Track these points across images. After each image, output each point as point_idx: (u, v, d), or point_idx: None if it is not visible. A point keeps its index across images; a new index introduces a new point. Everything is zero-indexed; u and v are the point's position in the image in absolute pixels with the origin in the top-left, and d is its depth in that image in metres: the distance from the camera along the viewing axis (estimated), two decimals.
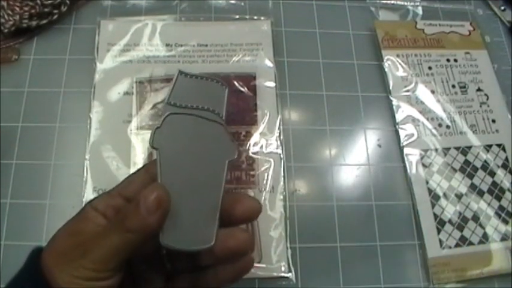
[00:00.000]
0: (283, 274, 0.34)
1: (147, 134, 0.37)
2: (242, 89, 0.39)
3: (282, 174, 0.37)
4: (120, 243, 0.22)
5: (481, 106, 0.42)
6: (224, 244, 0.24)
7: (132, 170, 0.35)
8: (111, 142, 0.36)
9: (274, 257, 0.34)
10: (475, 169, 0.39)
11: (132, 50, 0.40)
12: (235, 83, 0.39)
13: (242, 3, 0.43)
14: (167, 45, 0.40)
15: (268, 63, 0.40)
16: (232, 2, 0.43)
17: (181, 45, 0.40)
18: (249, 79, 0.39)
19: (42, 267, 0.22)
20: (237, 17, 0.42)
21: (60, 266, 0.22)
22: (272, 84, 0.39)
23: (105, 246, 0.22)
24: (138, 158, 0.36)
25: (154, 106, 0.38)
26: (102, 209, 0.24)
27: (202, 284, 0.26)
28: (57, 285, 0.21)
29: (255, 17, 0.42)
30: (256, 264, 0.34)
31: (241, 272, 0.26)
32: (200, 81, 0.27)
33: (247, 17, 0.42)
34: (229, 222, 0.25)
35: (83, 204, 0.34)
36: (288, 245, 0.35)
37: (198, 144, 0.25)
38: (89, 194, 0.35)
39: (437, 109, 0.41)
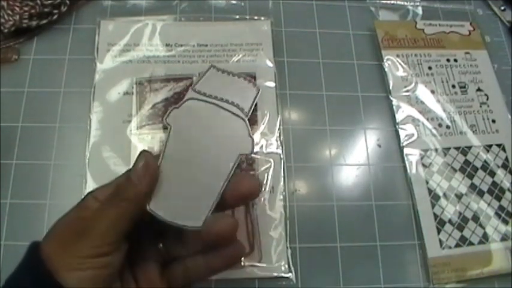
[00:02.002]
0: (283, 274, 0.34)
1: (147, 134, 0.37)
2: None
3: (282, 174, 0.37)
4: (116, 214, 0.23)
5: (481, 106, 0.42)
6: (209, 229, 0.24)
7: None
8: (111, 142, 0.36)
9: (274, 257, 0.34)
10: (475, 169, 0.39)
11: (132, 50, 0.40)
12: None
13: (242, 3, 0.43)
14: (167, 45, 0.40)
15: (268, 63, 0.40)
16: (232, 2, 0.43)
17: (181, 45, 0.40)
18: None
19: (42, 257, 0.22)
20: (237, 17, 0.42)
21: (61, 252, 0.22)
22: (272, 84, 0.39)
23: (103, 220, 0.23)
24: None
25: (154, 106, 0.38)
26: (102, 198, 0.24)
27: (194, 272, 0.26)
28: (58, 272, 0.21)
29: (255, 17, 0.42)
30: (256, 264, 0.34)
31: (231, 260, 0.26)
32: (231, 78, 0.27)
33: (247, 17, 0.42)
34: (230, 201, 0.26)
35: None
36: (288, 245, 0.35)
37: (213, 132, 0.25)
38: None
39: (437, 109, 0.41)
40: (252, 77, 0.39)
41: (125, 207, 0.23)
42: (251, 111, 0.26)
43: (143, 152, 0.25)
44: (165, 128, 0.26)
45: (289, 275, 0.34)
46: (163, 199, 0.24)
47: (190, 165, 0.25)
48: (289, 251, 0.34)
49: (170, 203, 0.24)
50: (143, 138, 0.37)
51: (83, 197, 0.25)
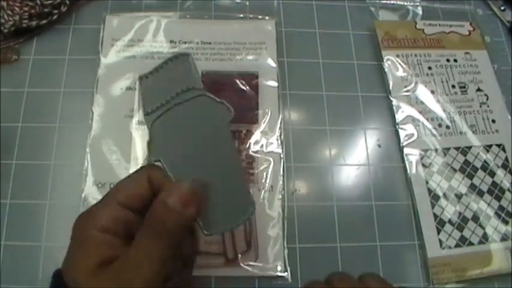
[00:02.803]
0: (279, 273, 0.34)
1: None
2: (244, 87, 0.39)
3: (281, 173, 0.37)
4: (169, 250, 0.22)
5: (481, 106, 0.42)
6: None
7: (132, 164, 0.36)
8: (112, 136, 0.37)
9: (271, 256, 0.34)
10: (475, 169, 0.39)
11: (136, 46, 0.40)
12: (238, 81, 0.39)
13: (247, 3, 0.43)
14: (171, 41, 0.40)
15: (271, 62, 0.40)
16: (237, 1, 0.43)
17: (185, 43, 0.41)
18: (251, 78, 0.39)
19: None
20: (241, 16, 0.42)
21: None
22: (274, 83, 0.40)
23: (156, 259, 0.21)
24: (139, 152, 0.36)
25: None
26: (112, 226, 0.23)
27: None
28: None
29: (259, 17, 0.42)
30: (252, 263, 0.34)
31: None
32: (162, 71, 0.26)
33: (251, 16, 0.42)
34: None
35: (83, 201, 0.34)
36: (285, 245, 0.35)
37: (194, 129, 0.25)
38: (89, 187, 0.35)
39: (437, 109, 0.41)
40: (254, 76, 0.39)
41: (174, 239, 0.22)
42: (200, 78, 0.25)
43: (180, 182, 0.23)
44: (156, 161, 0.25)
45: (285, 274, 0.34)
46: (209, 216, 0.24)
47: (201, 172, 0.24)
48: (286, 251, 0.34)
49: (216, 215, 0.24)
50: (144, 134, 0.37)
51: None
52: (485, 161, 0.39)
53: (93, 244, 0.22)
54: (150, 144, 0.24)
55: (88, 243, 0.22)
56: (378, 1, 0.46)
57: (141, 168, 0.26)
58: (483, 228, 0.37)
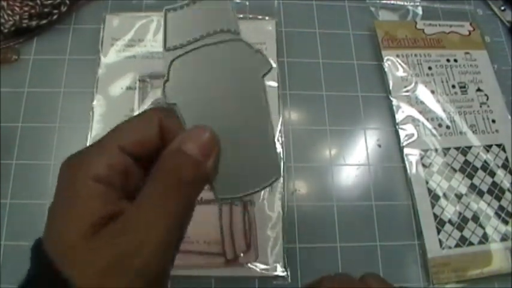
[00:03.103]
0: (278, 273, 0.34)
1: None
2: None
3: (281, 173, 0.37)
4: (185, 201, 0.18)
5: (481, 106, 0.42)
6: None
7: None
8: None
9: (271, 256, 0.34)
10: (475, 169, 0.39)
11: (136, 46, 0.40)
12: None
13: (247, 3, 0.43)
14: None
15: (271, 62, 0.40)
16: (236, 1, 0.43)
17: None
18: None
19: (51, 258, 0.17)
20: (241, 16, 0.42)
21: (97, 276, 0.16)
22: (274, 83, 0.40)
23: (166, 224, 0.17)
24: None
25: (156, 102, 0.38)
26: (106, 175, 0.18)
27: None
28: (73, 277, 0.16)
29: (260, 17, 0.42)
30: (252, 263, 0.34)
31: None
32: (193, 7, 0.22)
33: (251, 16, 0.42)
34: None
35: None
36: (285, 245, 0.35)
37: (221, 76, 0.21)
38: None
39: (437, 109, 0.41)
40: None
41: (191, 194, 0.18)
42: (238, 24, 0.22)
43: (200, 126, 0.19)
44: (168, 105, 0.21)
45: (285, 274, 0.34)
46: (225, 178, 0.21)
47: (223, 126, 0.21)
48: (286, 251, 0.34)
49: (234, 177, 0.21)
50: None
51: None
52: (485, 161, 0.39)
53: (85, 198, 0.18)
54: (166, 84, 0.21)
55: (79, 198, 0.18)
56: (378, 1, 0.46)
57: (151, 109, 0.21)
58: (483, 228, 0.37)
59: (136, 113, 0.37)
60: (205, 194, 0.33)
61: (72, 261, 0.17)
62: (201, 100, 0.21)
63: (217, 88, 0.21)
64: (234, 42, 0.22)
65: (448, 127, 0.40)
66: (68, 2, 0.40)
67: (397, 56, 0.42)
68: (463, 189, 0.38)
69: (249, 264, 0.34)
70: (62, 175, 0.19)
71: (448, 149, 0.39)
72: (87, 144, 0.35)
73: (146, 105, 0.38)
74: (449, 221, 0.37)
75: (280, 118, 0.39)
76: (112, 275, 0.16)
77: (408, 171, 0.38)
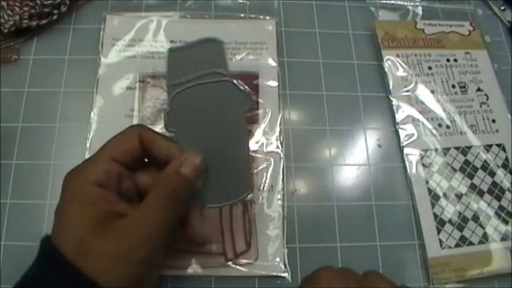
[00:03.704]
0: (279, 273, 0.34)
1: None
2: (244, 87, 0.39)
3: (281, 173, 0.37)
4: (180, 210, 0.23)
5: (481, 106, 0.42)
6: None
7: None
8: (112, 136, 0.36)
9: (271, 256, 0.34)
10: (475, 169, 0.39)
11: (136, 46, 0.40)
12: (238, 81, 0.39)
13: (247, 3, 0.43)
14: (172, 41, 0.40)
15: (272, 62, 0.40)
16: (238, 0, 0.43)
17: (186, 42, 0.40)
18: (251, 78, 0.39)
19: (62, 255, 0.20)
20: (242, 15, 0.42)
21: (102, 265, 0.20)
22: (275, 83, 0.40)
23: (167, 220, 0.22)
24: None
25: (156, 102, 0.38)
26: (104, 180, 0.23)
27: None
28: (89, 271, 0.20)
29: (260, 17, 0.42)
30: (252, 263, 0.34)
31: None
32: (193, 50, 0.27)
33: (251, 16, 0.42)
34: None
35: None
36: (285, 245, 0.35)
37: (211, 110, 0.26)
38: None
39: (437, 109, 0.41)
40: (255, 76, 0.39)
41: (183, 205, 0.23)
42: (228, 67, 0.27)
43: (192, 153, 0.25)
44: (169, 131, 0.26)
45: (285, 274, 0.34)
46: (209, 191, 0.26)
47: (209, 149, 0.26)
48: (286, 251, 0.34)
49: (216, 191, 0.26)
50: None
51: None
52: (485, 161, 0.39)
53: (90, 199, 0.22)
54: (168, 114, 0.26)
55: (84, 199, 0.22)
56: (378, 1, 0.46)
57: (131, 126, 0.27)
58: (483, 228, 0.37)
59: (136, 112, 0.37)
60: None
61: (84, 252, 0.20)
62: (194, 128, 0.26)
63: (208, 119, 0.26)
64: (223, 82, 0.26)
65: (448, 127, 0.40)
66: (68, 2, 0.40)
67: (397, 55, 0.42)
68: (463, 189, 0.38)
69: (249, 264, 0.34)
70: (66, 183, 0.24)
71: (448, 149, 0.39)
72: (87, 144, 0.36)
73: (147, 105, 0.38)
74: (450, 221, 0.37)
75: (280, 118, 0.39)
76: (121, 263, 0.20)
77: (408, 171, 0.38)
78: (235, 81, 0.26)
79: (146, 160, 0.27)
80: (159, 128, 0.37)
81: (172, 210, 0.23)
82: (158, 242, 0.22)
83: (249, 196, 0.32)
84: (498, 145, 0.40)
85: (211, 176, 0.26)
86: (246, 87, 0.39)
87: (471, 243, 0.36)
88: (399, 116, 0.40)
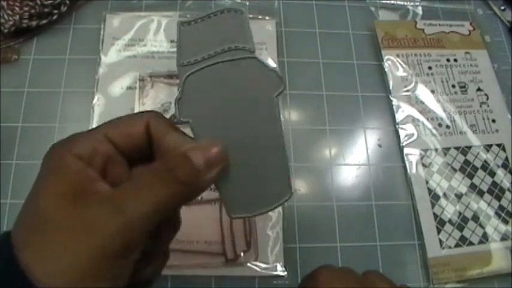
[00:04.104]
0: (278, 273, 0.34)
1: None
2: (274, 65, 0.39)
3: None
4: (168, 194, 0.18)
5: (481, 106, 0.42)
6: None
7: None
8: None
9: (271, 256, 0.34)
10: (475, 169, 0.39)
11: (136, 45, 0.40)
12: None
13: (247, 3, 0.43)
14: (171, 41, 0.41)
15: (272, 62, 0.40)
16: (237, 1, 0.43)
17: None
18: None
19: (14, 252, 0.16)
20: None
21: (53, 244, 0.16)
22: None
23: (149, 199, 0.18)
24: None
25: (156, 102, 0.38)
26: (88, 156, 0.19)
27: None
28: (35, 273, 0.16)
29: (260, 17, 0.42)
30: (252, 262, 0.34)
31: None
32: (208, 22, 0.22)
33: (251, 16, 0.42)
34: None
35: None
36: (285, 245, 0.35)
37: (234, 94, 0.21)
38: None
39: (437, 109, 0.41)
40: None
41: (180, 190, 0.18)
42: (253, 39, 0.22)
43: (215, 141, 0.20)
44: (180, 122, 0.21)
45: (285, 274, 0.34)
46: (236, 196, 0.21)
47: (235, 144, 0.21)
48: (286, 251, 0.34)
49: (245, 195, 0.21)
50: None
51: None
52: (485, 161, 0.39)
53: (64, 170, 0.18)
54: (180, 101, 0.21)
55: (58, 169, 0.19)
56: (378, 1, 0.46)
57: (142, 111, 0.22)
58: (483, 228, 0.37)
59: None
60: (205, 194, 0.33)
61: (38, 228, 0.17)
62: (214, 118, 0.21)
63: (230, 106, 0.21)
64: (248, 60, 0.22)
65: (448, 127, 0.40)
66: (68, 1, 0.40)
67: (397, 55, 0.42)
68: (463, 189, 0.38)
69: (249, 264, 0.34)
70: (47, 154, 0.20)
71: (448, 148, 0.39)
72: None
73: (147, 105, 0.38)
74: (449, 221, 0.37)
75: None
76: (77, 245, 0.16)
77: (408, 171, 0.38)
78: (261, 59, 0.22)
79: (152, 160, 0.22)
80: None
81: (160, 191, 0.18)
82: (137, 217, 0.17)
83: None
84: (498, 145, 0.40)
85: (238, 177, 0.21)
86: (275, 65, 0.34)
87: (471, 243, 0.36)
88: (399, 116, 0.40)
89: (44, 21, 0.40)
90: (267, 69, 0.22)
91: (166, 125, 0.21)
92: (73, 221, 0.17)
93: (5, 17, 0.38)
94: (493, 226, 0.37)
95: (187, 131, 0.22)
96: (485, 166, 0.39)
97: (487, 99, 0.42)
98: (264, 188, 0.22)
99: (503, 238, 0.37)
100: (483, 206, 0.38)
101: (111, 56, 0.39)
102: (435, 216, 0.37)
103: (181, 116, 0.21)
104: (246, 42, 0.22)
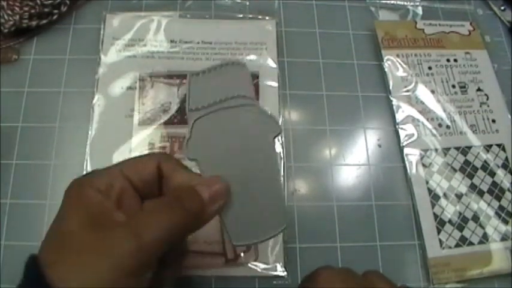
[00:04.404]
0: (278, 273, 0.34)
1: (148, 129, 0.37)
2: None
3: (282, 173, 0.37)
4: (177, 223, 0.21)
5: (481, 106, 0.42)
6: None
7: None
8: (112, 135, 0.37)
9: (271, 256, 0.34)
10: (475, 169, 0.39)
11: (136, 45, 0.40)
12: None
13: (247, 3, 0.43)
14: (171, 41, 0.40)
15: (272, 63, 0.40)
16: (237, 0, 0.43)
17: (186, 42, 0.41)
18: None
19: (45, 273, 0.18)
20: (241, 15, 0.42)
21: (78, 264, 0.19)
22: (275, 83, 0.40)
23: (160, 225, 0.20)
24: (140, 152, 0.36)
25: (156, 102, 0.38)
26: (106, 189, 0.22)
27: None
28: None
29: (260, 17, 0.42)
30: (252, 263, 0.34)
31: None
32: (214, 73, 0.25)
33: (251, 16, 0.43)
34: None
35: None
36: (285, 245, 0.35)
37: (236, 137, 0.24)
38: None
39: (437, 109, 0.41)
40: (255, 76, 0.39)
41: (188, 217, 0.21)
42: (253, 89, 0.25)
43: (218, 177, 0.23)
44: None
45: (285, 274, 0.34)
46: (238, 226, 0.24)
47: (236, 180, 0.23)
48: (286, 251, 0.34)
49: (246, 226, 0.24)
50: (145, 133, 0.37)
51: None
52: (485, 161, 0.39)
53: (87, 201, 0.21)
54: (188, 141, 0.24)
55: (81, 200, 0.21)
56: (378, 1, 0.46)
57: (155, 153, 0.26)
58: (483, 228, 0.37)
59: (136, 112, 0.37)
60: None
61: (66, 245, 0.20)
62: (218, 157, 0.24)
63: (233, 147, 0.24)
64: (249, 107, 0.24)
65: (448, 127, 0.40)
66: (68, 1, 0.40)
67: (397, 56, 0.42)
68: (463, 189, 0.38)
69: (249, 264, 0.34)
70: (69, 187, 0.23)
71: (448, 149, 0.39)
72: (87, 144, 0.36)
73: (147, 105, 0.38)
74: (449, 221, 0.37)
75: (280, 118, 0.39)
76: (100, 261, 0.19)
77: (408, 171, 0.38)
78: (260, 106, 0.25)
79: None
80: (157, 126, 0.37)
81: (172, 216, 0.21)
82: (144, 252, 0.19)
83: None
84: (498, 145, 0.40)
85: (240, 210, 0.23)
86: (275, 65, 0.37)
87: (471, 243, 0.36)
88: (399, 116, 0.40)
89: (44, 21, 0.40)
90: (265, 116, 0.25)
91: (175, 163, 0.24)
92: (95, 244, 0.19)
93: (5, 17, 0.38)
94: (493, 226, 0.37)
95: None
96: (485, 166, 0.39)
97: (487, 99, 0.42)
98: (262, 220, 0.24)
99: (503, 238, 0.37)
100: (483, 206, 0.38)
101: (111, 56, 0.39)
102: (435, 216, 0.37)
103: (190, 155, 0.24)
104: (247, 91, 0.24)
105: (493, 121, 0.41)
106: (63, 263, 0.19)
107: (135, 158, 0.25)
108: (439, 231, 0.36)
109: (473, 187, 0.38)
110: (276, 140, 0.25)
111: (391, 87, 0.41)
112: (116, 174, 0.23)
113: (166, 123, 0.37)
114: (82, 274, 0.18)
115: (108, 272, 0.18)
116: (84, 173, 0.35)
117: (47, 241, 0.21)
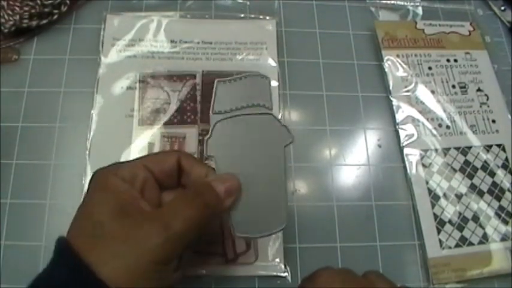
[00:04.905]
0: (278, 273, 0.34)
1: (148, 129, 0.37)
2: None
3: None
4: (199, 215, 0.23)
5: (481, 106, 0.42)
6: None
7: None
8: (113, 135, 0.37)
9: (271, 256, 0.34)
10: (475, 169, 0.39)
11: (136, 45, 0.40)
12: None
13: (247, 3, 0.43)
14: (172, 41, 0.40)
15: (272, 62, 0.40)
16: (238, 0, 0.43)
17: (186, 42, 0.41)
18: None
19: (74, 252, 0.20)
20: (242, 15, 0.42)
21: (112, 251, 0.21)
22: (275, 83, 0.40)
23: (186, 217, 0.22)
24: (139, 152, 0.36)
25: (156, 102, 0.38)
26: (130, 179, 0.24)
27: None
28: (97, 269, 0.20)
29: (260, 17, 0.42)
30: (252, 263, 0.34)
31: None
32: (239, 82, 0.27)
33: (251, 16, 0.43)
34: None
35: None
36: (285, 245, 0.35)
37: (252, 141, 0.27)
38: None
39: (437, 109, 0.41)
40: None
41: (207, 212, 0.23)
42: (271, 100, 0.27)
43: (232, 175, 0.25)
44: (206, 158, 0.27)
45: (285, 274, 0.34)
46: (242, 220, 0.26)
47: (247, 178, 0.26)
48: (286, 251, 0.34)
49: (249, 220, 0.26)
50: (145, 133, 0.37)
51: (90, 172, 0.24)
52: (485, 161, 0.39)
53: (114, 189, 0.23)
54: (208, 140, 0.26)
55: (108, 188, 0.23)
56: (378, 1, 0.46)
57: (175, 150, 0.28)
58: (483, 228, 0.37)
59: (136, 112, 0.37)
60: None
61: (98, 234, 0.21)
62: (233, 157, 0.26)
63: (247, 149, 0.27)
64: (266, 115, 0.27)
65: (448, 127, 0.40)
66: (68, 2, 0.40)
67: (397, 56, 0.42)
68: (463, 189, 0.38)
69: (249, 264, 0.34)
70: (93, 176, 0.24)
71: (448, 149, 0.39)
72: (87, 144, 0.36)
73: (147, 105, 0.38)
74: (449, 221, 0.37)
75: (280, 118, 0.39)
76: (132, 250, 0.20)
77: (408, 171, 0.38)
78: (276, 116, 0.27)
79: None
80: (157, 126, 0.37)
81: (195, 210, 0.23)
82: (179, 231, 0.22)
83: None
84: (498, 145, 0.40)
85: (246, 205, 0.26)
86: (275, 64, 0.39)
87: (471, 244, 0.36)
88: (399, 116, 0.40)
89: (44, 21, 0.40)
90: (279, 125, 0.27)
91: (193, 159, 0.27)
92: (127, 234, 0.21)
93: (5, 17, 0.38)
94: (493, 226, 0.37)
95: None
96: (485, 166, 0.39)
97: (487, 99, 0.42)
98: (266, 217, 0.26)
99: (503, 238, 0.37)
100: (483, 207, 0.38)
101: (111, 56, 0.39)
102: (435, 216, 0.37)
103: (208, 152, 0.26)
104: (265, 101, 0.27)
105: (493, 121, 0.41)
106: (97, 251, 0.20)
107: (156, 153, 0.27)
108: (439, 232, 0.36)
109: (473, 187, 0.38)
110: (285, 149, 0.27)
111: (391, 88, 0.41)
112: (138, 165, 0.25)
113: (167, 123, 0.37)
114: (115, 262, 0.20)
115: (141, 261, 0.20)
116: (84, 173, 0.35)
117: (79, 228, 0.22)
